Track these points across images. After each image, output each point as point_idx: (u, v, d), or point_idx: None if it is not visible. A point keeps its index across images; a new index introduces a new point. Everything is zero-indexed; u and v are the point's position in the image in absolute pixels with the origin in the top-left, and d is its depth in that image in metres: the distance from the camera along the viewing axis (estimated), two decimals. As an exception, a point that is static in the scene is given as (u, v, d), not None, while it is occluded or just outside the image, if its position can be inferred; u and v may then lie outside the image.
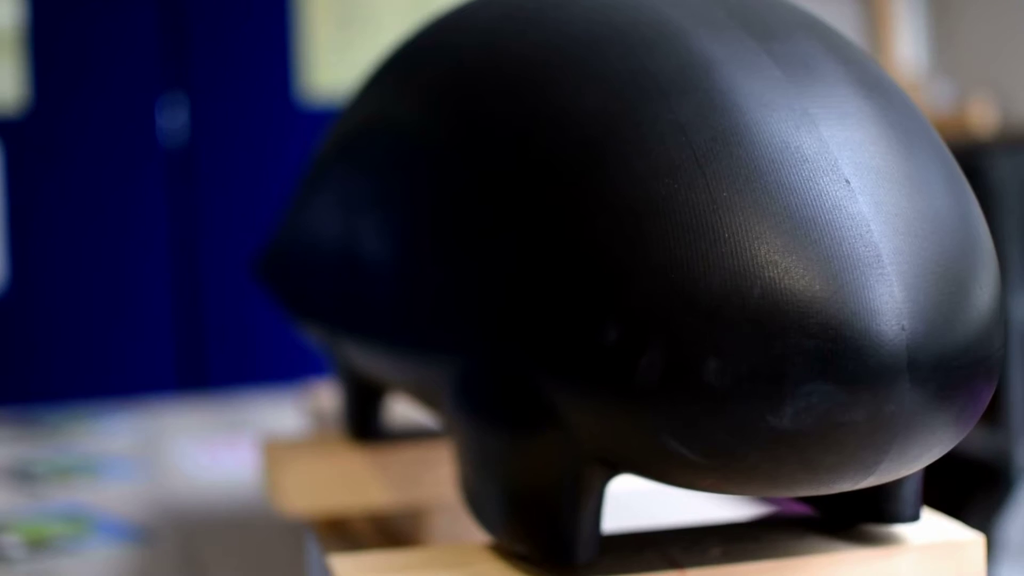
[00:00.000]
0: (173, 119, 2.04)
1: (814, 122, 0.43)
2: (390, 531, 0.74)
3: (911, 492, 0.48)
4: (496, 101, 0.47)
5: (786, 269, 0.39)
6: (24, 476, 1.09)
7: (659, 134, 0.42)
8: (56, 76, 2.00)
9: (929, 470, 0.47)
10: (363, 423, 0.68)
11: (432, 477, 0.66)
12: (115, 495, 1.02)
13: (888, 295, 0.40)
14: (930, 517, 0.51)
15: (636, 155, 0.42)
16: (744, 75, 0.44)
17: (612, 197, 0.42)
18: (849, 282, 0.40)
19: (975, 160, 2.69)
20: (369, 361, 0.61)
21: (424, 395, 0.55)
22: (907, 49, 3.35)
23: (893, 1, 3.26)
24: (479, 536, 0.67)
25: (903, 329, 0.40)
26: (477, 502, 0.49)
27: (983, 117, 2.85)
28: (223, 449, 1.19)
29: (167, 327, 2.05)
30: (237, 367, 2.07)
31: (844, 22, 3.34)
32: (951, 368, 0.41)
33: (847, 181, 0.41)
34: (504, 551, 0.48)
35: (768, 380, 0.39)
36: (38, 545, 0.86)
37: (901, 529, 0.50)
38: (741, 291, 0.39)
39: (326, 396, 0.93)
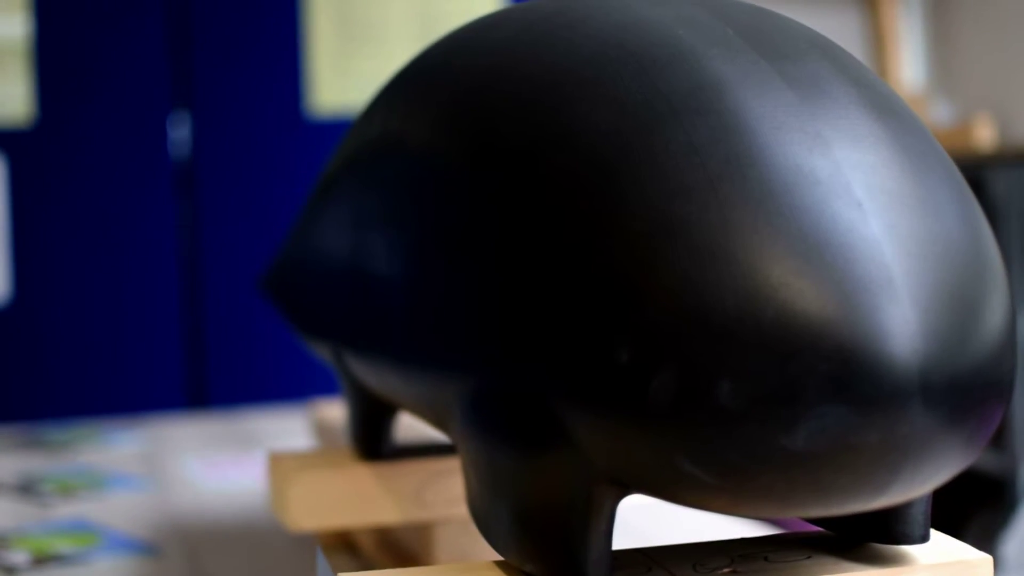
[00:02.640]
0: (178, 134, 2.04)
1: (827, 144, 0.43)
2: (398, 548, 0.74)
3: (920, 513, 0.48)
4: (507, 122, 0.47)
5: (799, 291, 0.40)
6: (30, 491, 1.09)
7: (672, 156, 0.42)
8: (61, 90, 2.00)
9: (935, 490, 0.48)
10: (370, 439, 0.68)
11: (441, 494, 0.67)
12: (122, 510, 1.02)
13: (901, 317, 0.40)
14: (939, 537, 0.51)
15: (649, 177, 0.42)
16: (757, 96, 0.44)
17: (625, 219, 0.42)
18: (862, 304, 0.40)
19: (974, 175, 2.70)
20: (376, 378, 0.61)
21: (433, 413, 0.56)
22: (908, 70, 3.36)
23: (894, 24, 3.28)
24: (488, 554, 0.67)
25: (916, 351, 0.40)
26: (486, 520, 0.49)
27: (982, 137, 2.86)
28: (231, 465, 1.19)
29: (174, 343, 2.05)
30: (244, 384, 2.07)
31: (845, 45, 3.35)
32: (964, 390, 0.41)
33: (860, 203, 0.42)
34: (514, 570, 0.49)
35: (781, 402, 0.39)
36: (45, 559, 0.86)
37: (910, 549, 0.50)
38: (754, 313, 0.39)
39: (334, 413, 0.93)
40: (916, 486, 0.43)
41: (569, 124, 0.45)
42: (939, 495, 2.85)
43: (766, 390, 0.39)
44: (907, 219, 0.42)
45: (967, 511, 2.86)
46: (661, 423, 0.41)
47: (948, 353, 0.41)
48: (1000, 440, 2.66)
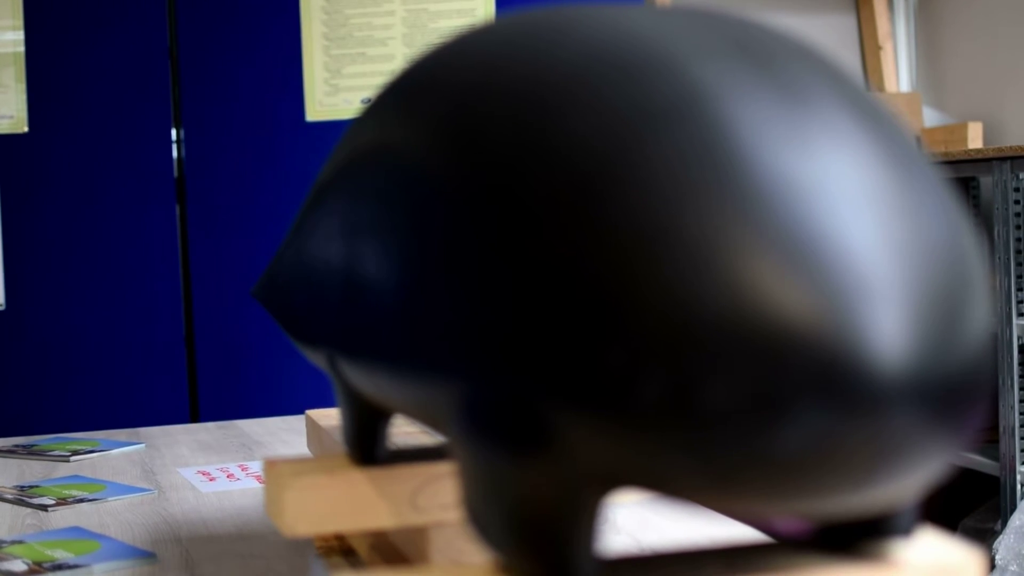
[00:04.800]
0: (173, 143, 2.05)
1: (812, 151, 0.44)
2: (393, 552, 0.74)
3: (907, 508, 0.49)
4: (495, 133, 0.48)
5: (785, 296, 0.40)
6: (28, 499, 1.10)
7: (657, 163, 0.43)
8: (54, 97, 2.01)
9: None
10: (365, 445, 0.68)
11: (435, 498, 0.67)
12: (119, 517, 1.02)
13: (885, 320, 0.41)
14: (930, 536, 0.52)
15: (634, 185, 0.43)
16: (741, 104, 0.45)
17: (610, 225, 0.42)
18: (847, 308, 0.40)
19: (963, 177, 2.70)
20: (370, 384, 0.62)
21: (426, 416, 0.56)
22: (897, 77, 3.36)
23: (884, 30, 3.28)
24: (482, 556, 0.67)
25: (900, 354, 0.41)
26: (480, 522, 0.50)
27: (971, 140, 2.87)
28: (229, 473, 1.20)
29: (171, 354, 2.05)
30: (242, 396, 2.07)
31: (835, 52, 3.35)
32: (947, 393, 0.42)
33: (844, 209, 0.42)
34: (507, 571, 0.49)
35: (767, 404, 0.40)
36: (42, 566, 0.86)
37: (900, 548, 0.50)
38: (740, 316, 0.40)
39: (329, 420, 0.93)
40: (902, 486, 0.43)
41: (555, 134, 0.46)
42: (933, 494, 2.85)
43: (752, 393, 0.40)
44: (890, 224, 0.43)
45: (960, 510, 2.86)
46: (648, 426, 0.41)
47: (931, 356, 0.41)
48: (994, 441, 2.67)
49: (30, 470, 1.24)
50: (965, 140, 2.90)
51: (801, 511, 0.43)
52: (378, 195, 0.57)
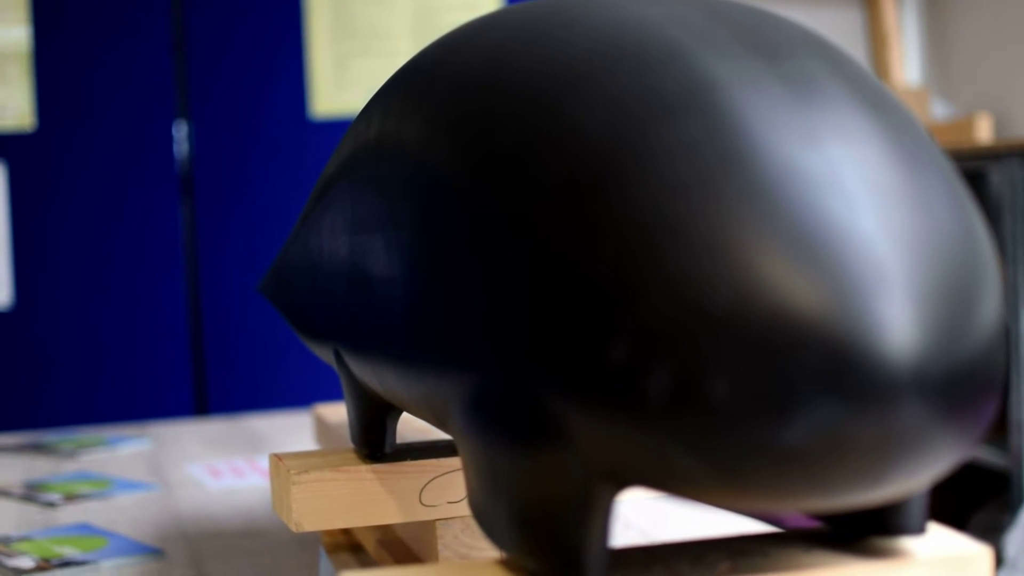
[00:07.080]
0: (181, 138, 2.05)
1: (820, 141, 0.43)
2: (401, 547, 0.74)
3: (917, 505, 0.49)
4: (501, 124, 0.48)
5: (793, 287, 0.40)
6: (35, 496, 1.10)
7: (665, 154, 0.43)
8: (61, 96, 2.01)
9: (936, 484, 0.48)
10: (372, 440, 0.68)
11: (442, 494, 0.67)
12: (127, 513, 1.02)
13: (894, 312, 0.40)
14: (938, 531, 0.52)
15: (642, 175, 0.43)
16: (750, 95, 0.44)
17: (618, 217, 0.42)
18: (856, 300, 0.40)
19: (973, 169, 2.70)
20: (376, 379, 0.62)
21: (433, 412, 0.56)
22: (906, 68, 3.36)
23: (892, 22, 3.28)
24: (490, 553, 0.67)
25: (909, 345, 0.40)
26: (487, 518, 0.49)
27: (981, 132, 2.86)
28: (236, 469, 1.20)
29: (178, 350, 2.05)
30: (249, 390, 2.07)
31: (844, 43, 3.35)
32: (958, 385, 0.41)
33: (853, 199, 0.42)
34: (515, 567, 0.49)
35: (775, 397, 0.40)
36: (51, 563, 0.86)
37: (909, 542, 0.50)
38: (748, 309, 0.40)
39: (336, 415, 0.93)
40: (912, 480, 0.43)
41: (562, 125, 0.45)
42: (942, 490, 2.85)
43: (760, 385, 0.40)
44: (900, 214, 0.43)
45: (970, 506, 2.86)
46: (656, 419, 0.41)
47: (942, 347, 0.41)
48: (1004, 435, 2.66)
49: (38, 467, 1.24)
50: (975, 131, 2.89)
51: (810, 506, 0.43)
52: (384, 189, 0.57)
